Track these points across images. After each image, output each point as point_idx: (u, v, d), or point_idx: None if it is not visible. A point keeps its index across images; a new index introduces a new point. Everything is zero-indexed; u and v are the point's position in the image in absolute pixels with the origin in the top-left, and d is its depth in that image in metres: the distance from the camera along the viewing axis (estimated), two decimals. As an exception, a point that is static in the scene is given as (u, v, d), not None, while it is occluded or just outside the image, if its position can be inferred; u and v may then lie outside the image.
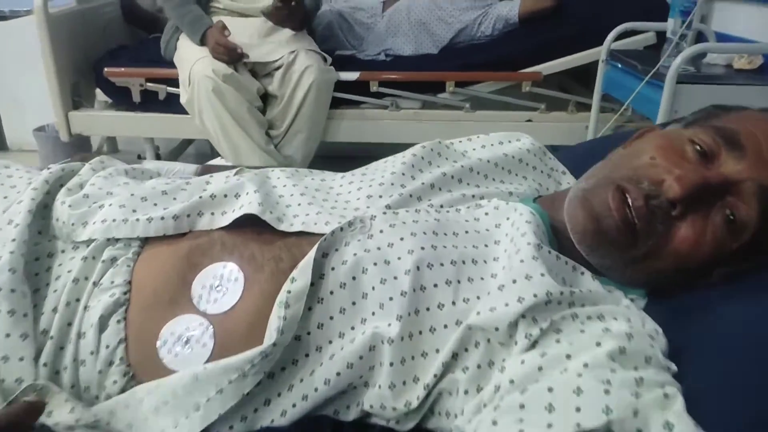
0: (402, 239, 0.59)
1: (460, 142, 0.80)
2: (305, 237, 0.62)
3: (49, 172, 0.69)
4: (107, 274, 0.60)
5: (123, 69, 2.09)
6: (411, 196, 0.68)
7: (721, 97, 1.12)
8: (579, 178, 0.67)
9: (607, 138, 1.31)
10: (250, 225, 0.63)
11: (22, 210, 0.63)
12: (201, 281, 0.59)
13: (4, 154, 2.78)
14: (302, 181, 0.73)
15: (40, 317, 0.58)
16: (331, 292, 0.57)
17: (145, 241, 0.64)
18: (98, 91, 2.20)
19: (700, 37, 1.67)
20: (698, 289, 0.59)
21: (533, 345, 0.51)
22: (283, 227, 0.63)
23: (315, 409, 0.55)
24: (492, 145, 0.79)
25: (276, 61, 1.97)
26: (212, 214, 0.65)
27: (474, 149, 0.78)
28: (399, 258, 0.58)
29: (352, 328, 0.56)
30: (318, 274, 0.57)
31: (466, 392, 0.52)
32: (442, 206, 0.68)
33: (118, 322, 0.57)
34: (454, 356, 0.54)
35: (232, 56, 1.89)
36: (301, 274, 0.56)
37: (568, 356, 0.49)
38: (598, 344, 0.49)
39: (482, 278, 0.58)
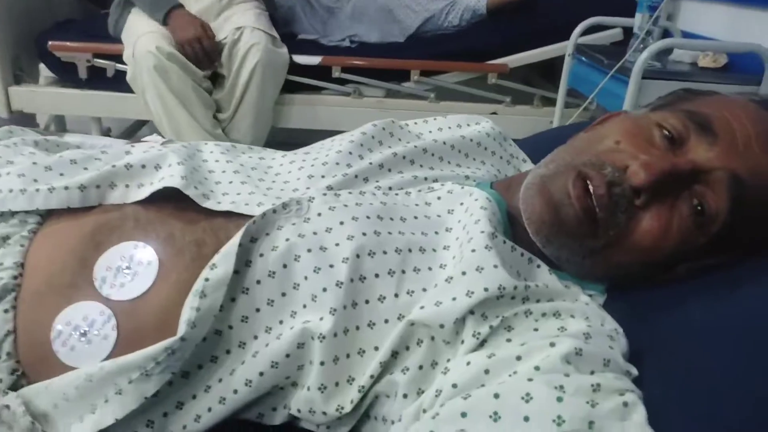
0: (342, 223, 0.53)
1: (416, 123, 0.75)
2: (234, 219, 0.55)
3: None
4: None
5: (68, 43, 1.97)
6: (357, 176, 0.62)
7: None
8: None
9: (571, 126, 1.27)
10: (172, 202, 0.55)
11: None
12: (106, 261, 0.51)
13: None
14: (238, 158, 0.66)
15: None
16: (258, 282, 0.50)
17: (47, 217, 0.55)
18: (43, 66, 2.07)
19: (666, 35, 1.67)
20: (662, 284, 0.55)
21: (481, 345, 0.46)
22: (209, 204, 0.55)
23: (234, 413, 0.48)
24: (449, 127, 0.74)
25: (224, 39, 1.87)
26: (126, 186, 0.57)
27: (430, 131, 0.73)
28: (337, 244, 0.52)
29: (281, 323, 0.49)
30: (244, 261, 0.51)
31: (405, 396, 0.47)
32: (390, 188, 0.62)
33: (6, 311, 0.49)
34: (394, 355, 0.48)
35: (205, 62, 1.81)
36: (223, 261, 0.49)
37: (519, 358, 0.43)
38: (552, 345, 0.44)
39: (430, 268, 0.52)
